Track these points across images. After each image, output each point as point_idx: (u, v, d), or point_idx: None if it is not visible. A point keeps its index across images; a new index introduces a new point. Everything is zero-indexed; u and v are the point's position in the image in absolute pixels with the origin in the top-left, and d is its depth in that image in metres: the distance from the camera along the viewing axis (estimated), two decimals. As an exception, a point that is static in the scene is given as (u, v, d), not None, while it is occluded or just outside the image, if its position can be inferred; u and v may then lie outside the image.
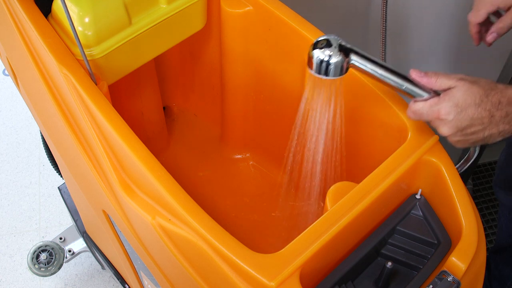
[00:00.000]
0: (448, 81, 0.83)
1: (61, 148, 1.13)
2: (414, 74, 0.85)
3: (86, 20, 0.97)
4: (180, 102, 1.51)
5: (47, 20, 1.00)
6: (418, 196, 0.91)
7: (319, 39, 0.87)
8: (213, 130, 1.47)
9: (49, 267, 1.58)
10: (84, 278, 1.74)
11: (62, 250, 1.61)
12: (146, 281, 1.19)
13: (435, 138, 0.90)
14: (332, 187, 0.87)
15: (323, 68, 0.86)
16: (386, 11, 1.39)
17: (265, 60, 1.18)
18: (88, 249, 1.60)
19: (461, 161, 0.94)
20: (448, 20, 1.75)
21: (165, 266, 0.94)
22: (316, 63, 0.86)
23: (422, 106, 0.84)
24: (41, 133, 1.47)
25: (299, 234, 0.80)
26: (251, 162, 1.42)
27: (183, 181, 0.93)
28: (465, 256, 0.80)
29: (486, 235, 1.67)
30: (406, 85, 0.86)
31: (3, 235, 1.83)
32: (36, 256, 1.58)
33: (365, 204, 0.83)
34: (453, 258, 0.80)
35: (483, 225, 0.94)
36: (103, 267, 1.64)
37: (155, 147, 1.40)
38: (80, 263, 1.77)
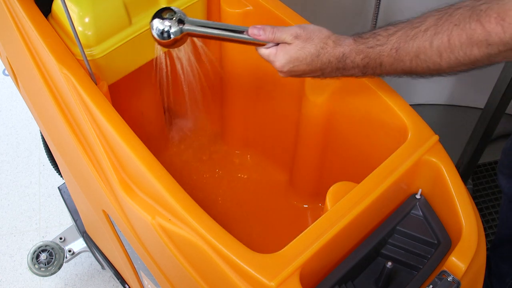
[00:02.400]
0: (284, 37, 0.89)
1: (61, 148, 1.13)
2: (251, 33, 0.91)
3: (86, 20, 0.97)
4: (180, 101, 1.51)
5: (47, 20, 1.00)
6: (418, 196, 0.91)
7: (160, 10, 0.92)
8: (213, 130, 1.47)
9: (49, 267, 1.58)
10: (84, 278, 1.74)
11: (62, 250, 1.61)
12: (146, 281, 1.19)
13: (435, 138, 0.90)
14: (332, 187, 0.87)
15: (165, 37, 0.91)
16: (377, 12, 1.39)
17: (265, 60, 1.18)
18: (88, 249, 1.60)
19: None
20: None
21: (165, 266, 0.94)
22: (157, 34, 0.91)
23: (262, 53, 0.92)
24: (41, 133, 1.47)
25: (299, 234, 0.80)
26: (251, 162, 1.42)
27: (183, 181, 0.93)
28: (465, 256, 0.80)
29: (486, 235, 1.67)
30: (247, 37, 0.91)
31: (3, 235, 1.83)
32: (36, 256, 1.58)
33: (365, 204, 0.83)
34: (453, 258, 0.80)
35: (483, 225, 0.94)
36: (103, 267, 1.64)
37: (155, 147, 1.40)
38: (80, 263, 1.77)
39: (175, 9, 0.91)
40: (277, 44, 0.90)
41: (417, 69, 0.81)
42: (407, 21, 0.82)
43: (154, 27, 0.90)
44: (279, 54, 0.90)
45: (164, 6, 1.06)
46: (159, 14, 0.91)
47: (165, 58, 1.07)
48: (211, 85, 1.38)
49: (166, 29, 0.90)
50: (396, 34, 0.81)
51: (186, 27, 0.90)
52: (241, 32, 0.91)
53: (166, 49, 1.03)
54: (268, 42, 0.90)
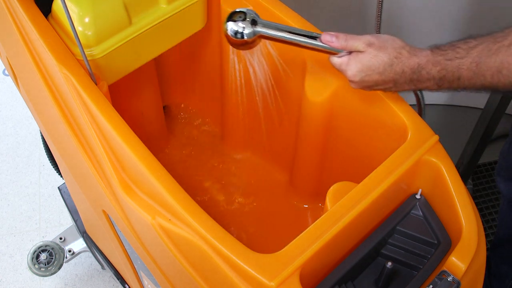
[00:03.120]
0: (357, 44, 0.88)
1: (61, 148, 1.13)
2: (324, 39, 0.90)
3: (86, 20, 0.97)
4: (180, 101, 1.51)
5: (47, 20, 1.00)
6: (418, 196, 0.91)
7: (234, 11, 0.94)
8: (213, 130, 1.47)
9: (49, 267, 1.58)
10: (84, 278, 1.74)
11: (62, 250, 1.61)
12: (146, 281, 1.19)
13: (435, 138, 0.90)
14: (332, 187, 0.87)
15: (238, 37, 0.93)
16: (381, 11, 1.39)
17: (265, 60, 1.18)
18: (88, 249, 1.60)
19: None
20: (444, 18, 1.75)
21: (165, 266, 0.94)
22: (231, 34, 0.93)
23: (334, 62, 0.91)
24: (41, 133, 1.47)
25: (299, 234, 0.80)
26: (251, 162, 1.42)
27: (183, 180, 0.93)
28: (465, 256, 0.80)
29: (486, 235, 1.67)
30: (319, 45, 0.91)
31: (3, 235, 1.83)
32: (36, 256, 1.58)
33: (365, 204, 0.83)
34: (453, 258, 0.80)
35: (483, 225, 0.94)
36: (103, 267, 1.64)
37: (155, 147, 1.40)
38: (80, 263, 1.77)
39: (249, 11, 0.93)
40: (350, 53, 0.89)
41: (498, 85, 0.79)
42: (489, 35, 0.80)
43: (229, 28, 0.92)
44: (351, 62, 0.88)
45: (164, 6, 1.07)
46: (233, 15, 0.92)
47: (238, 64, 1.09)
48: (211, 85, 1.38)
49: (240, 30, 0.91)
50: (477, 47, 0.79)
51: (259, 29, 0.92)
52: (313, 38, 0.91)
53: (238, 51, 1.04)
54: (341, 50, 0.90)
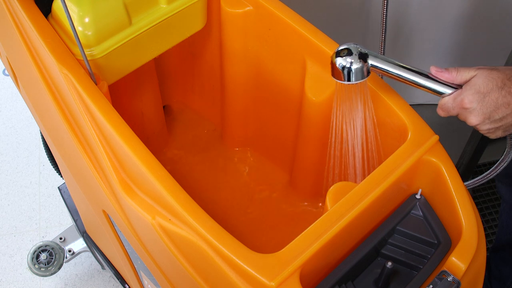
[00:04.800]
0: (468, 72, 0.83)
1: (61, 148, 1.13)
2: (434, 71, 0.86)
3: (86, 20, 0.97)
4: (180, 101, 1.51)
5: (47, 20, 1.00)
6: (418, 196, 0.91)
7: (340, 48, 0.91)
8: (213, 129, 1.47)
9: (49, 267, 1.58)
10: (84, 278, 1.74)
11: (62, 250, 1.61)
12: (146, 281, 1.19)
13: (435, 138, 0.90)
14: (332, 187, 0.87)
15: (346, 74, 0.90)
16: (386, 11, 1.39)
17: (265, 60, 1.18)
18: (88, 249, 1.60)
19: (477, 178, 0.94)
20: (449, 20, 1.75)
21: (165, 266, 0.94)
22: (340, 70, 0.91)
23: (447, 100, 0.85)
24: (41, 133, 1.47)
25: (299, 234, 0.80)
26: (251, 162, 1.42)
27: (183, 180, 0.93)
28: (465, 256, 0.80)
29: (486, 235, 1.67)
30: (428, 84, 0.88)
31: (3, 235, 1.83)
32: (36, 256, 1.58)
33: (365, 204, 0.83)
34: (453, 258, 0.80)
35: (483, 225, 0.94)
36: (103, 267, 1.64)
37: (155, 146, 1.41)
38: (80, 263, 1.77)
39: (351, 45, 0.91)
40: (460, 88, 0.85)
41: None
42: None
43: (338, 63, 0.90)
44: (466, 89, 0.83)
45: (164, 6, 1.07)
46: (339, 52, 0.90)
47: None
48: (211, 85, 1.38)
49: (347, 65, 0.89)
50: None
51: (370, 61, 0.90)
52: (423, 75, 0.88)
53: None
54: (451, 83, 0.86)
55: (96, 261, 1.67)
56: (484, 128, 0.84)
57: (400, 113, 0.93)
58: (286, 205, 1.34)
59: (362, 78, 0.91)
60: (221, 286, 0.81)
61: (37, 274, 1.58)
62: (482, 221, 0.88)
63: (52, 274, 1.58)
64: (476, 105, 0.81)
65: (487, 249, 1.56)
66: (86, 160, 0.96)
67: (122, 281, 1.49)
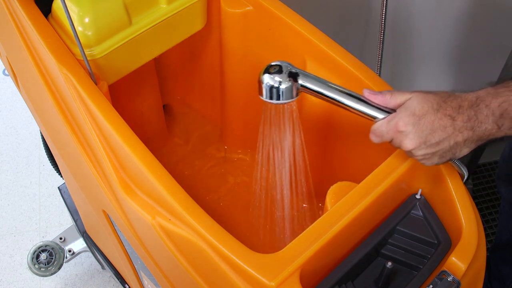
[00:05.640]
0: (402, 95, 0.79)
1: (61, 148, 1.13)
2: (367, 94, 0.82)
3: (86, 20, 0.97)
4: (180, 101, 1.51)
5: (47, 20, 1.00)
6: (418, 196, 0.91)
7: (270, 65, 0.88)
8: (213, 129, 1.47)
9: (49, 267, 1.58)
10: (84, 278, 1.74)
11: (62, 250, 1.61)
12: (146, 281, 1.19)
13: (435, 138, 0.90)
14: (332, 187, 0.87)
15: (274, 93, 0.87)
16: (385, 11, 1.39)
17: (265, 60, 1.17)
18: (88, 249, 1.60)
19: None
20: (449, 20, 1.75)
21: (165, 266, 0.94)
22: (266, 89, 0.87)
23: (381, 124, 0.81)
24: (41, 133, 1.47)
25: (299, 234, 0.79)
26: (251, 162, 1.42)
27: (183, 180, 0.93)
28: (465, 256, 0.80)
29: (486, 235, 1.67)
30: (360, 107, 0.83)
31: (3, 235, 1.84)
32: (36, 256, 1.58)
33: (365, 204, 0.82)
34: (453, 258, 0.80)
35: (483, 225, 0.93)
36: (103, 267, 1.64)
37: (155, 146, 1.41)
38: (80, 263, 1.77)
39: (283, 63, 0.87)
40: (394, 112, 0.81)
41: None
42: None
43: (264, 83, 0.86)
44: (400, 112, 0.78)
45: (164, 6, 1.07)
46: (268, 69, 0.87)
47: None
48: (211, 85, 1.38)
49: (276, 85, 0.86)
50: None
51: (300, 81, 0.86)
52: (356, 98, 0.83)
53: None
54: (385, 107, 0.81)
55: (96, 261, 1.67)
56: (419, 154, 0.79)
57: (400, 113, 0.93)
58: (286, 205, 1.34)
59: (291, 98, 0.87)
60: (221, 286, 0.81)
61: (37, 274, 1.58)
62: (482, 221, 0.88)
63: (52, 274, 1.58)
64: (412, 128, 0.77)
65: (487, 249, 1.56)
66: (86, 160, 0.96)
67: (122, 281, 1.49)
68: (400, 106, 0.79)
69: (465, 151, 0.79)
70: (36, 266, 1.57)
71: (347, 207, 0.82)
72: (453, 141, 0.77)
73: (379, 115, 0.82)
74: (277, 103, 0.88)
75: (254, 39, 1.16)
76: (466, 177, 0.90)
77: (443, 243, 0.86)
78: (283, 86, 0.85)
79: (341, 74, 1.02)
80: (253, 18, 1.12)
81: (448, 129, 0.76)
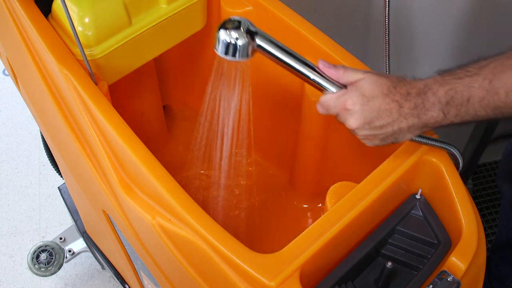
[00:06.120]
0: (355, 74, 0.80)
1: (61, 148, 1.13)
2: (321, 65, 0.83)
3: (86, 20, 0.97)
4: (180, 101, 1.51)
5: (47, 20, 1.00)
6: (418, 196, 0.91)
7: (229, 19, 0.85)
8: (213, 129, 1.47)
9: (49, 267, 1.58)
10: (84, 278, 1.74)
11: (62, 250, 1.61)
12: (146, 281, 1.19)
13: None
14: (332, 187, 0.87)
15: (230, 50, 0.84)
16: (388, 12, 1.39)
17: (265, 60, 1.18)
18: (88, 249, 1.60)
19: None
20: (449, 20, 1.75)
21: (165, 266, 0.94)
22: (222, 45, 0.84)
23: (330, 98, 0.82)
24: (41, 133, 1.47)
25: (299, 234, 0.80)
26: (251, 161, 1.42)
27: (183, 180, 0.93)
28: (465, 256, 0.80)
29: (486, 235, 1.67)
30: (313, 76, 0.84)
31: (3, 235, 1.83)
32: (36, 256, 1.58)
33: (365, 204, 0.83)
34: (453, 258, 0.80)
35: (483, 225, 0.93)
36: (103, 267, 1.64)
37: (155, 146, 1.40)
38: (80, 263, 1.77)
39: (243, 20, 0.84)
40: (346, 88, 0.82)
41: None
42: (500, 53, 0.73)
43: (220, 38, 0.83)
44: (350, 91, 0.79)
45: (164, 6, 1.07)
46: (225, 24, 0.84)
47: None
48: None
49: (232, 42, 0.83)
50: (489, 65, 0.72)
51: (257, 41, 0.84)
52: (311, 67, 0.83)
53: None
54: (337, 81, 0.82)
55: (96, 261, 1.67)
56: (361, 134, 0.81)
57: (400, 113, 0.93)
58: (286, 205, 1.34)
59: (245, 57, 0.85)
60: (221, 286, 0.81)
61: (37, 274, 1.58)
62: (482, 221, 0.88)
63: (52, 274, 1.58)
64: (359, 108, 0.78)
65: (487, 249, 1.56)
66: (86, 160, 0.96)
67: (122, 281, 1.49)
68: (351, 84, 0.81)
69: (408, 136, 0.81)
70: (36, 266, 1.57)
71: (347, 207, 0.82)
72: (397, 127, 0.79)
73: (330, 87, 0.83)
74: (230, 60, 0.86)
75: (254, 39, 1.16)
76: (461, 164, 0.90)
77: (443, 243, 0.86)
78: (239, 43, 0.83)
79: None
80: (253, 18, 1.12)
81: (394, 115, 0.78)
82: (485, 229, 1.70)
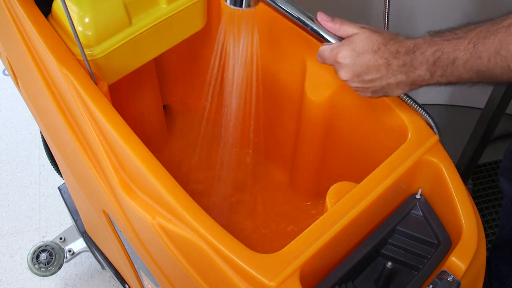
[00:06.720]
0: (351, 28, 0.84)
1: (61, 148, 1.13)
2: (319, 18, 0.88)
3: (86, 20, 0.97)
4: (180, 101, 1.51)
5: (47, 20, 1.00)
6: (418, 196, 0.91)
7: None
8: (213, 129, 1.47)
9: (49, 267, 1.58)
10: (84, 278, 1.74)
11: (62, 250, 1.61)
12: (146, 281, 1.19)
13: (435, 138, 0.90)
14: (332, 187, 0.87)
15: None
16: (388, 12, 1.39)
17: (265, 60, 1.18)
18: (88, 249, 1.60)
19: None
20: (451, 19, 1.75)
21: (165, 266, 0.94)
22: None
23: (325, 49, 0.86)
24: (41, 133, 1.47)
25: (299, 234, 0.80)
26: (251, 161, 1.42)
27: (183, 180, 0.93)
28: (465, 256, 0.80)
29: (486, 235, 1.67)
30: (312, 26, 0.88)
31: (3, 235, 1.83)
32: (36, 256, 1.58)
33: (365, 204, 0.83)
34: (453, 258, 0.80)
35: (483, 225, 0.94)
36: (103, 267, 1.64)
37: (155, 146, 1.40)
38: (80, 263, 1.77)
39: None
40: (341, 40, 0.86)
41: (495, 69, 0.74)
42: (489, 19, 0.76)
43: None
44: (344, 43, 0.84)
45: (164, 6, 1.07)
46: None
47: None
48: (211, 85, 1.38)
49: None
50: (476, 29, 0.75)
51: None
52: (311, 19, 0.89)
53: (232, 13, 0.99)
54: (333, 37, 0.87)
55: (96, 261, 1.67)
56: (352, 85, 0.86)
57: (400, 113, 0.93)
58: (286, 205, 1.34)
59: (249, 6, 0.91)
60: (221, 286, 0.81)
61: (37, 274, 1.58)
62: (482, 221, 0.88)
63: (52, 274, 1.58)
64: (349, 61, 0.83)
65: (487, 249, 1.56)
66: (86, 160, 0.96)
67: (122, 281, 1.49)
68: (347, 36, 0.85)
69: (398, 92, 0.85)
70: (36, 266, 1.57)
71: (347, 207, 0.82)
72: (385, 82, 0.83)
73: (329, 38, 0.87)
74: (237, 9, 0.92)
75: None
76: (435, 131, 0.92)
77: (443, 243, 0.86)
78: None
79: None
80: (253, 18, 1.12)
81: (382, 71, 0.82)
82: (485, 229, 1.70)
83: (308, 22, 0.89)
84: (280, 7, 0.90)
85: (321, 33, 0.88)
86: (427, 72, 0.80)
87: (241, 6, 0.92)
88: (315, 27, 0.89)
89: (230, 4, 0.92)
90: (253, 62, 1.01)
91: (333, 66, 0.87)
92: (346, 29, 0.85)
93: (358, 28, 0.84)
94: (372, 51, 0.82)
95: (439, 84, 0.81)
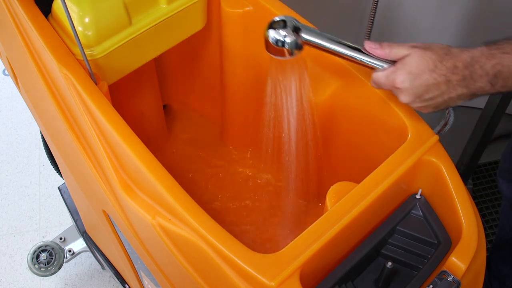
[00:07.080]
0: (401, 50, 0.83)
1: (61, 148, 1.14)
2: (367, 47, 0.86)
3: (86, 20, 0.97)
4: (180, 101, 1.51)
5: (47, 20, 1.00)
6: (418, 196, 0.91)
7: (274, 20, 0.89)
8: (213, 129, 1.47)
9: (49, 267, 1.58)
10: (84, 278, 1.74)
11: (62, 250, 1.61)
12: (146, 281, 1.19)
13: (435, 138, 0.90)
14: (332, 187, 0.87)
15: (280, 48, 0.89)
16: (375, 13, 1.40)
17: (265, 60, 1.18)
18: (88, 249, 1.60)
19: (438, 126, 0.94)
20: (448, 21, 1.75)
21: (165, 266, 0.94)
22: (273, 43, 0.89)
23: (380, 76, 0.86)
24: (41, 133, 1.47)
25: (299, 234, 0.80)
26: (251, 161, 1.42)
27: (183, 180, 0.93)
28: (465, 256, 0.80)
29: (486, 235, 1.67)
30: (362, 58, 0.87)
31: (3, 235, 1.83)
32: (36, 256, 1.58)
33: (365, 204, 0.83)
34: (453, 258, 0.80)
35: (483, 225, 0.94)
36: (103, 267, 1.64)
37: (155, 146, 1.40)
38: (80, 263, 1.77)
39: (289, 18, 0.89)
40: (394, 64, 0.85)
41: None
42: None
43: (270, 37, 0.88)
44: (399, 68, 0.82)
45: (164, 6, 1.07)
46: (272, 24, 0.88)
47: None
48: (211, 85, 1.38)
49: (281, 39, 0.87)
50: None
51: (302, 35, 0.88)
52: (357, 50, 0.88)
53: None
54: (384, 61, 0.86)
55: (96, 261, 1.67)
56: (414, 106, 0.86)
57: (400, 113, 0.93)
58: (286, 205, 1.34)
59: (292, 54, 0.89)
60: (221, 286, 0.81)
61: (37, 274, 1.58)
62: (482, 221, 0.88)
63: (52, 274, 1.58)
64: (408, 85, 0.82)
65: (487, 249, 1.56)
66: (86, 160, 0.96)
67: (122, 281, 1.49)
68: (398, 59, 0.84)
69: (459, 102, 0.84)
70: (36, 266, 1.57)
71: (347, 207, 0.82)
72: (447, 97, 0.82)
73: (380, 64, 0.87)
74: (283, 59, 0.91)
75: (254, 39, 1.16)
76: (450, 123, 0.93)
77: (443, 243, 0.86)
78: (288, 40, 0.87)
79: (341, 74, 1.02)
80: (253, 18, 1.12)
81: (442, 88, 0.81)
82: (485, 229, 1.70)
83: (356, 55, 0.88)
84: (327, 48, 0.89)
85: (373, 61, 0.87)
86: (487, 83, 0.79)
87: (285, 56, 0.90)
88: (365, 58, 0.87)
89: (276, 56, 0.90)
90: (307, 109, 1.01)
91: (391, 91, 0.87)
92: (396, 52, 0.84)
93: (409, 49, 0.83)
94: (429, 70, 0.80)
95: (501, 93, 0.81)
